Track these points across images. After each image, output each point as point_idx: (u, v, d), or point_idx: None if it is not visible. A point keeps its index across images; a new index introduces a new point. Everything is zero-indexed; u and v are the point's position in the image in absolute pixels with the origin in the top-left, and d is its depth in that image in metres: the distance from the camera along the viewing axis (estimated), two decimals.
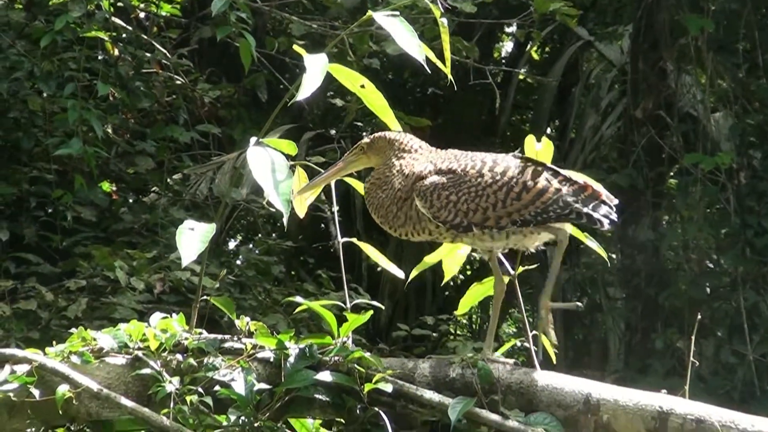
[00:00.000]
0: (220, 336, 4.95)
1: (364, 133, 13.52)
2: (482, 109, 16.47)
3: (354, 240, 5.52)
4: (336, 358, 4.79)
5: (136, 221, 11.20)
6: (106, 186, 11.60)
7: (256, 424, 4.69)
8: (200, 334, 4.96)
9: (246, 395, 4.69)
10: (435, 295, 14.92)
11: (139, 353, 4.82)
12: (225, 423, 4.73)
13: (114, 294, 9.99)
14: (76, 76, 10.48)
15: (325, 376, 4.70)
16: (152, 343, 4.83)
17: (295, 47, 5.02)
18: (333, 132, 14.25)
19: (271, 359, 4.84)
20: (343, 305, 5.30)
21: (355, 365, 4.73)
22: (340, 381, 4.71)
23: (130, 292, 9.97)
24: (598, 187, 4.84)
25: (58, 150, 10.24)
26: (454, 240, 4.93)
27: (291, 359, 4.79)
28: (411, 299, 14.74)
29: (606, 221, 4.77)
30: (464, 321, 16.68)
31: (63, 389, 4.65)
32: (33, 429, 4.88)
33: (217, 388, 4.73)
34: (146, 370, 4.75)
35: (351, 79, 4.91)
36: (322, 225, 14.77)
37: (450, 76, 5.17)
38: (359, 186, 5.12)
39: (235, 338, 4.94)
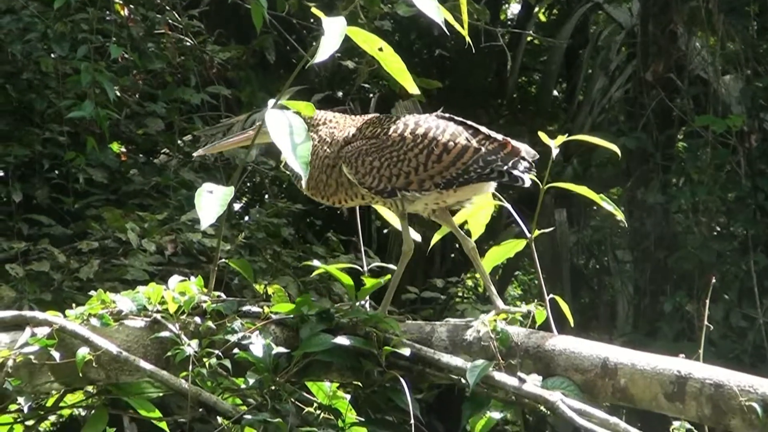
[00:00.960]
0: (238, 299, 4.96)
1: (371, 95, 13.49)
2: (489, 72, 16.43)
3: None
4: (353, 321, 4.81)
5: (146, 183, 11.18)
6: (115, 147, 11.58)
7: (273, 387, 4.70)
8: (218, 297, 4.98)
9: (264, 358, 4.70)
10: (443, 257, 14.93)
11: (158, 316, 4.83)
12: (243, 386, 4.75)
13: (125, 256, 9.99)
14: (88, 38, 10.46)
15: (342, 339, 4.70)
16: (171, 306, 4.84)
17: (314, 10, 4.99)
18: (341, 94, 14.20)
19: (289, 323, 4.86)
20: (357, 268, 5.31)
21: (373, 329, 4.75)
22: (358, 345, 4.71)
23: (141, 253, 9.97)
24: (516, 143, 4.86)
25: (72, 113, 10.23)
26: (385, 205, 4.95)
27: (309, 323, 4.81)
28: (419, 262, 14.73)
29: (527, 177, 4.80)
30: (471, 284, 16.69)
31: (83, 352, 4.66)
32: (53, 390, 4.91)
33: (235, 351, 4.74)
34: (165, 333, 4.76)
35: (369, 41, 4.87)
36: None
37: (468, 39, 5.15)
38: None
39: (253, 301, 4.96)
